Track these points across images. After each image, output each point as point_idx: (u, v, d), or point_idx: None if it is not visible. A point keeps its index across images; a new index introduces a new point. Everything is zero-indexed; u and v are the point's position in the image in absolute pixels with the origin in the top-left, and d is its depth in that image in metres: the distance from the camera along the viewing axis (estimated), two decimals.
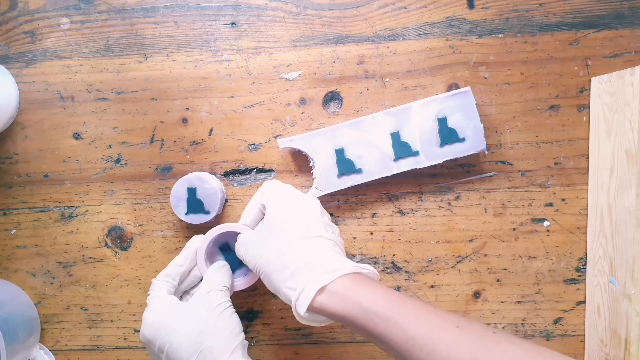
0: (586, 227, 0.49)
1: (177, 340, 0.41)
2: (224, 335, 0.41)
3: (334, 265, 0.39)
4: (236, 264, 0.48)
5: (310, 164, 0.49)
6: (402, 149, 0.47)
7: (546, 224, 0.49)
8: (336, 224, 0.51)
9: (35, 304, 0.53)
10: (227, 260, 0.48)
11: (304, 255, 0.40)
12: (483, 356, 0.33)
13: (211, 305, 0.42)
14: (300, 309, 0.38)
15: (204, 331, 0.41)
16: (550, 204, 0.49)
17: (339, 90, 0.50)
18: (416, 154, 0.47)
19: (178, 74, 0.50)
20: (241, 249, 0.45)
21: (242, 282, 0.47)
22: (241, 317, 0.51)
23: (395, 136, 0.47)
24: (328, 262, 0.40)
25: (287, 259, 0.41)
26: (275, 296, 0.51)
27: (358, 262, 0.50)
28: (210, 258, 0.48)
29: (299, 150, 0.49)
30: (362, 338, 0.51)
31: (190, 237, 0.51)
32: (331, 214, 0.51)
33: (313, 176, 0.48)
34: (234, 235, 0.48)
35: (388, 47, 0.49)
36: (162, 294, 0.44)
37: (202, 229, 0.51)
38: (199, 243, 0.47)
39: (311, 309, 0.38)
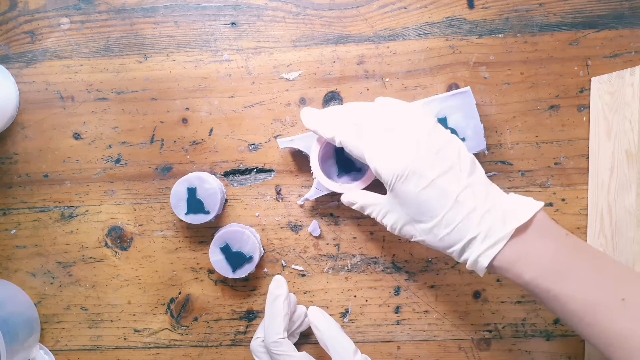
0: (586, 227, 0.49)
1: None
2: None
3: (496, 232, 0.37)
4: (236, 263, 0.48)
5: (310, 164, 0.49)
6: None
7: None
8: (336, 225, 0.51)
9: (35, 304, 0.53)
10: (227, 260, 0.48)
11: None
12: None
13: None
14: (479, 273, 0.39)
15: None
16: (550, 204, 0.49)
17: (339, 90, 0.50)
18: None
19: (178, 74, 0.50)
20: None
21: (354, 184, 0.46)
22: (241, 317, 0.52)
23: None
24: (489, 224, 0.37)
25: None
26: None
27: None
28: (324, 163, 0.47)
29: (299, 150, 0.49)
30: (361, 338, 0.51)
31: (191, 237, 0.51)
32: (331, 214, 0.51)
33: (313, 176, 0.48)
34: (234, 234, 0.48)
35: (388, 47, 0.49)
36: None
37: (203, 229, 0.51)
38: (314, 151, 0.46)
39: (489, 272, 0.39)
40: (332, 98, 0.50)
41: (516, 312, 0.50)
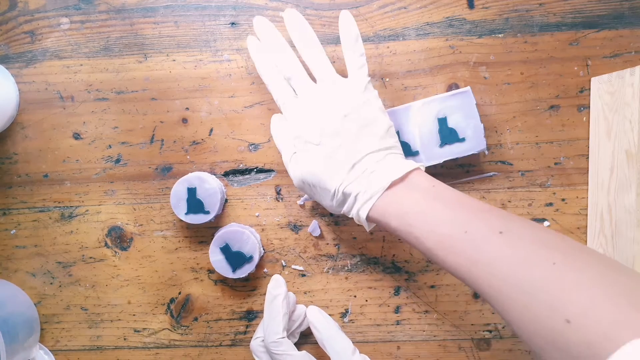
0: (586, 227, 0.49)
1: None
2: None
3: (375, 185, 0.40)
4: (236, 263, 0.48)
5: None
6: (402, 149, 0.47)
7: (546, 224, 0.49)
8: (336, 224, 0.51)
9: (35, 304, 0.53)
10: (227, 260, 0.48)
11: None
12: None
13: None
14: (361, 223, 0.42)
15: None
16: (550, 204, 0.49)
17: None
18: (416, 154, 0.47)
19: (178, 74, 0.50)
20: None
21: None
22: (241, 317, 0.52)
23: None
24: (370, 183, 0.41)
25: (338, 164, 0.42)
26: None
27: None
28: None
29: None
30: (361, 338, 0.51)
31: (191, 237, 0.51)
32: (331, 214, 0.51)
33: None
34: (234, 234, 0.48)
35: (388, 47, 0.49)
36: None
37: (203, 229, 0.51)
38: None
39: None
40: None
41: None
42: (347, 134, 0.42)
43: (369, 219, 0.41)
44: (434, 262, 0.40)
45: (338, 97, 0.43)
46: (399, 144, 0.44)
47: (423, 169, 0.42)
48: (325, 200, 0.44)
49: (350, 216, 0.43)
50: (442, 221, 0.37)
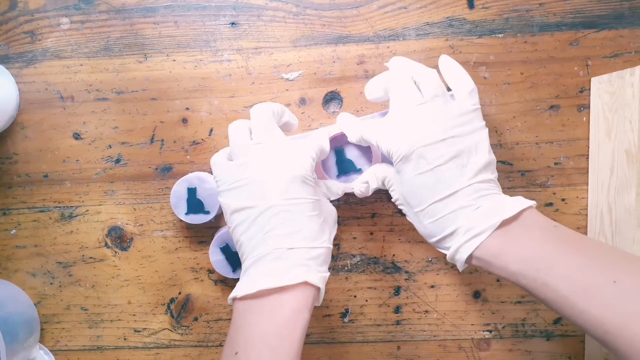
0: (586, 227, 0.49)
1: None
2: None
3: (480, 224, 0.37)
4: (236, 263, 0.48)
5: None
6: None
7: None
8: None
9: (35, 304, 0.53)
10: (227, 260, 0.48)
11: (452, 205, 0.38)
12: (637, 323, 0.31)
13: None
14: (458, 266, 0.39)
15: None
16: (550, 204, 0.49)
17: (339, 90, 0.50)
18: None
19: (178, 74, 0.50)
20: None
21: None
22: None
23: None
24: (474, 218, 0.37)
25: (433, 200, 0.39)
26: None
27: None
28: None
29: None
30: (361, 338, 0.51)
31: (191, 237, 0.51)
32: None
33: (313, 176, 0.48)
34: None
35: (388, 47, 0.49)
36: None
37: (203, 229, 0.51)
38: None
39: (469, 266, 0.40)
40: (332, 98, 0.50)
41: (516, 312, 0.50)
42: (446, 154, 0.38)
43: (469, 258, 0.38)
44: (563, 312, 0.35)
45: (449, 116, 0.39)
46: (497, 182, 0.40)
47: (535, 206, 0.38)
48: (415, 218, 0.41)
49: (441, 250, 0.40)
50: (578, 266, 0.34)
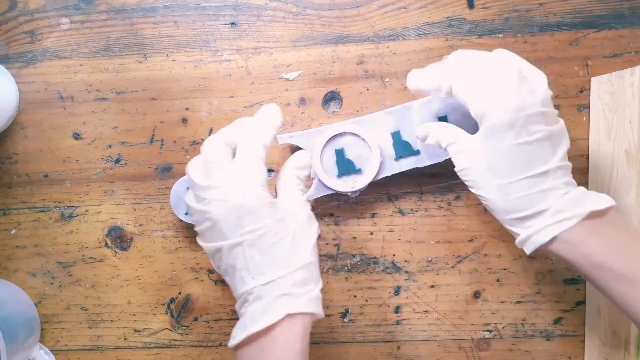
0: None
1: None
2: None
3: (571, 209, 0.36)
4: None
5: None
6: (403, 148, 0.47)
7: None
8: (336, 225, 0.51)
9: (35, 304, 0.53)
10: None
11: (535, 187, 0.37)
12: None
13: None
14: (526, 249, 0.38)
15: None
16: None
17: (339, 90, 0.50)
18: (417, 152, 0.47)
19: (178, 74, 0.50)
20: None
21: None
22: None
23: (396, 135, 0.47)
24: (565, 202, 0.36)
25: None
26: None
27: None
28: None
29: (298, 148, 0.48)
30: (361, 338, 0.51)
31: (191, 237, 0.51)
32: (331, 214, 0.51)
33: (312, 175, 0.48)
34: None
35: (388, 47, 0.49)
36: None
37: None
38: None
39: (538, 250, 0.38)
40: (332, 98, 0.50)
41: (516, 312, 0.50)
42: (545, 130, 0.37)
43: (549, 242, 0.37)
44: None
45: (542, 92, 0.38)
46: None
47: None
48: (496, 191, 0.38)
49: (514, 229, 0.38)
50: None
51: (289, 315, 0.36)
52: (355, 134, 0.47)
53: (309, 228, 0.39)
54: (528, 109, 0.36)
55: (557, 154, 0.37)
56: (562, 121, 0.39)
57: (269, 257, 0.36)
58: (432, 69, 0.41)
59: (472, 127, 0.46)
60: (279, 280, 0.36)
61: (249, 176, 0.37)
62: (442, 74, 0.39)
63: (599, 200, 0.37)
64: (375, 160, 0.47)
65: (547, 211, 0.37)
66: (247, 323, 0.36)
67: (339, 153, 0.48)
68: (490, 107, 0.37)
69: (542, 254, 0.39)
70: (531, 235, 0.38)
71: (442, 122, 0.42)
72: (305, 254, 0.38)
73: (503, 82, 0.37)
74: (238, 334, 0.36)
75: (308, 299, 0.37)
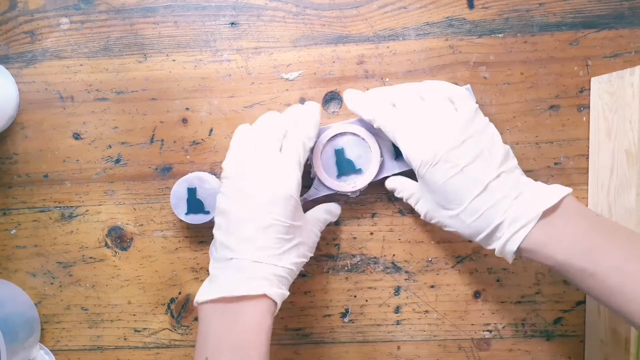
0: None
1: None
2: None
3: (524, 214, 0.37)
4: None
5: (308, 162, 0.49)
6: None
7: None
8: (336, 224, 0.51)
9: (35, 304, 0.53)
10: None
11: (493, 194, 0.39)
12: None
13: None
14: (507, 259, 0.40)
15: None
16: None
17: (339, 90, 0.50)
18: None
19: (178, 74, 0.50)
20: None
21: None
22: None
23: None
24: (516, 210, 0.38)
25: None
26: None
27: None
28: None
29: None
30: (361, 338, 0.51)
31: (191, 237, 0.51)
32: None
33: (311, 175, 0.48)
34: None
35: (388, 47, 0.49)
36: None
37: (203, 229, 0.51)
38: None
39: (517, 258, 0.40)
40: (332, 98, 0.50)
41: (516, 312, 0.50)
42: (470, 154, 0.39)
43: (517, 251, 0.38)
44: (609, 302, 0.36)
45: (459, 120, 0.40)
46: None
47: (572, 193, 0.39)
48: (455, 221, 0.41)
49: (488, 248, 0.40)
50: (628, 256, 0.35)
51: (265, 296, 0.38)
52: (355, 134, 0.47)
53: (312, 245, 0.44)
54: (447, 145, 0.39)
55: (491, 166, 0.39)
56: (490, 126, 0.41)
57: (268, 245, 0.40)
58: (368, 102, 0.44)
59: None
60: (266, 265, 0.39)
61: (293, 165, 0.41)
62: (372, 112, 0.43)
63: (550, 195, 0.38)
64: (375, 160, 0.47)
65: (503, 224, 0.38)
66: (223, 286, 0.39)
67: (339, 153, 0.48)
68: (411, 152, 0.41)
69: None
70: (502, 248, 0.39)
71: (401, 178, 0.47)
72: (295, 262, 0.41)
73: (419, 124, 0.41)
74: (211, 292, 0.39)
75: (281, 293, 0.40)
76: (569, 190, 0.38)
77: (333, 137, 0.47)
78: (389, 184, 0.47)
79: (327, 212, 0.47)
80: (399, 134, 0.42)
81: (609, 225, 0.38)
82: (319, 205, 0.47)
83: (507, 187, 0.38)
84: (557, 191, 0.38)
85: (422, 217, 0.44)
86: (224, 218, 0.41)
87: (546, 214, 0.37)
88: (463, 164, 0.39)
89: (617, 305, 0.35)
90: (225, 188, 0.42)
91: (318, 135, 0.48)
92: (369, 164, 0.47)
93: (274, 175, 0.41)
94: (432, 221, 0.43)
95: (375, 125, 0.44)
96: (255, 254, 0.39)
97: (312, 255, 0.44)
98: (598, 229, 0.37)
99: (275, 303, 0.39)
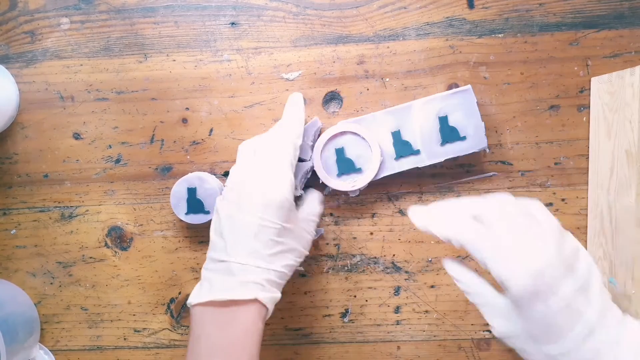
0: (586, 227, 0.49)
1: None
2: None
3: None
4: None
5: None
6: (403, 148, 0.47)
7: None
8: (336, 224, 0.51)
9: (35, 304, 0.53)
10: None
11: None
12: None
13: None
14: None
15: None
16: (550, 204, 0.49)
17: (339, 90, 0.50)
18: (417, 152, 0.47)
19: (178, 74, 0.50)
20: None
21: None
22: None
23: (396, 135, 0.47)
24: (624, 356, 0.33)
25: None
26: None
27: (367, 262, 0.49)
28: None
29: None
30: (361, 338, 0.51)
31: (191, 237, 0.51)
32: (331, 214, 0.51)
33: (294, 194, 0.48)
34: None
35: (388, 47, 0.49)
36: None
37: (203, 229, 0.51)
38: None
39: None
40: (332, 98, 0.50)
41: None
42: (573, 285, 0.33)
43: None
44: None
45: (550, 234, 0.35)
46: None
47: None
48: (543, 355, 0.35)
49: None
50: None
51: (257, 300, 0.39)
52: (355, 133, 0.47)
53: (305, 248, 0.44)
54: (549, 270, 0.33)
55: (591, 300, 0.34)
56: (579, 245, 0.36)
57: (260, 247, 0.40)
58: (444, 218, 0.38)
59: (472, 126, 0.46)
60: (257, 269, 0.40)
61: (286, 167, 0.42)
62: (453, 230, 0.37)
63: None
64: (375, 159, 0.47)
65: None
66: (215, 289, 0.39)
67: (339, 152, 0.48)
68: (509, 274, 0.34)
69: None
70: None
71: (472, 275, 0.39)
72: (288, 265, 0.41)
73: (520, 244, 0.34)
74: (204, 295, 0.40)
75: (272, 297, 0.40)
76: None
77: (333, 136, 0.47)
78: (454, 271, 0.39)
79: (320, 202, 0.47)
80: (490, 256, 0.35)
81: None
82: (308, 198, 0.47)
83: (609, 325, 0.33)
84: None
85: (495, 333, 0.37)
86: (218, 220, 0.42)
87: None
88: (567, 296, 0.33)
89: None
90: (225, 191, 0.43)
91: (318, 134, 0.48)
92: (369, 163, 0.47)
93: (266, 180, 0.41)
94: (511, 345, 0.37)
95: (456, 246, 0.36)
96: (247, 257, 0.39)
97: (307, 254, 0.44)
98: None
99: (267, 307, 0.40)
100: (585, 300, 0.33)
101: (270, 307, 0.40)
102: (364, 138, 0.47)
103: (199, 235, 0.51)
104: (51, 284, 0.52)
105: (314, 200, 0.47)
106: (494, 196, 0.38)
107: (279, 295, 0.41)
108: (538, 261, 0.33)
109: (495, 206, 0.36)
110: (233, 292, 0.39)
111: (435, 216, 0.38)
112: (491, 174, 0.49)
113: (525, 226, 0.35)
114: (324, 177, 0.47)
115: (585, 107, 0.49)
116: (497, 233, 0.35)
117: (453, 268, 0.39)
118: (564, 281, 0.33)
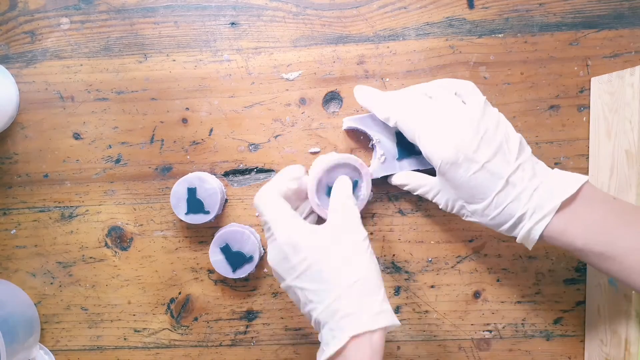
0: None
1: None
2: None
3: (544, 205, 0.39)
4: (236, 263, 0.48)
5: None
6: (406, 149, 0.47)
7: None
8: None
9: (35, 304, 0.53)
10: (228, 260, 0.48)
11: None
12: None
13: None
14: (528, 246, 0.41)
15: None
16: None
17: (339, 90, 0.50)
18: (420, 154, 0.47)
19: (178, 74, 0.50)
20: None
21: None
22: (241, 317, 0.52)
23: (400, 135, 0.47)
24: (536, 201, 0.39)
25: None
26: (274, 296, 0.51)
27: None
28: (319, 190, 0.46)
29: (357, 130, 0.48)
30: None
31: (191, 237, 0.51)
32: None
33: (378, 156, 0.48)
34: (234, 234, 0.48)
35: (388, 47, 0.49)
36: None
37: (203, 229, 0.51)
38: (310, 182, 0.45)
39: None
40: (332, 98, 0.50)
41: (516, 312, 0.50)
42: (489, 150, 0.40)
43: (539, 239, 0.40)
44: (628, 282, 0.38)
45: (473, 116, 0.41)
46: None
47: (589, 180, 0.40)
48: (479, 215, 0.41)
49: (512, 235, 0.41)
50: None
51: (354, 337, 0.36)
52: (347, 164, 0.46)
53: (357, 244, 0.40)
54: (469, 143, 0.39)
55: (510, 157, 0.40)
56: (501, 117, 0.41)
57: (320, 284, 0.38)
58: (383, 100, 0.44)
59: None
60: (334, 303, 0.37)
61: (279, 216, 0.40)
62: (388, 111, 0.44)
63: (568, 184, 0.39)
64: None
65: (525, 215, 0.40)
66: (324, 348, 0.38)
67: (400, 135, 0.44)
68: (431, 151, 0.41)
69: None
70: (524, 237, 0.40)
71: (413, 173, 0.47)
72: (355, 269, 0.38)
73: (434, 123, 0.41)
74: (547, 210, 0.39)
75: (368, 316, 0.37)
76: (585, 178, 0.39)
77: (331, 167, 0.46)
78: (398, 179, 0.47)
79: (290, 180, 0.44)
80: (418, 134, 0.42)
81: (626, 208, 0.39)
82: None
83: (526, 178, 0.39)
84: (574, 180, 0.39)
85: (441, 206, 0.44)
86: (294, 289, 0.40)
87: (564, 202, 0.38)
88: (484, 161, 0.39)
89: (637, 284, 0.37)
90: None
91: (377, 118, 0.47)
92: (362, 186, 0.47)
93: (275, 230, 0.40)
94: (452, 211, 0.44)
95: (391, 124, 0.44)
96: (320, 304, 0.39)
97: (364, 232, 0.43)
98: (615, 213, 0.38)
99: (375, 331, 0.37)
100: (503, 161, 0.39)
101: (378, 324, 0.37)
102: (367, 133, 0.47)
103: (199, 235, 0.51)
104: (51, 284, 0.52)
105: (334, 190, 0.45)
106: (435, 81, 0.44)
107: (377, 304, 0.38)
108: (456, 137, 0.40)
109: (431, 89, 0.43)
110: (331, 345, 0.37)
111: (379, 97, 0.45)
112: None
113: (451, 106, 0.41)
114: (315, 204, 0.46)
115: (585, 107, 0.49)
116: (426, 114, 0.42)
117: (399, 177, 0.47)
118: (479, 150, 0.39)
